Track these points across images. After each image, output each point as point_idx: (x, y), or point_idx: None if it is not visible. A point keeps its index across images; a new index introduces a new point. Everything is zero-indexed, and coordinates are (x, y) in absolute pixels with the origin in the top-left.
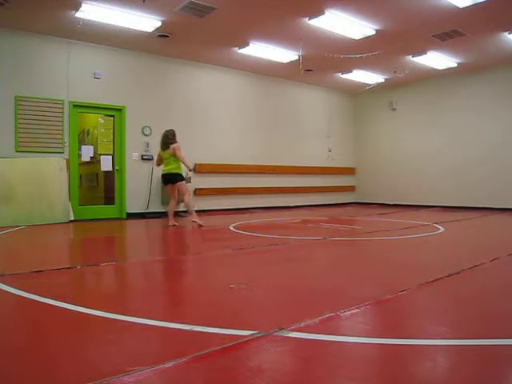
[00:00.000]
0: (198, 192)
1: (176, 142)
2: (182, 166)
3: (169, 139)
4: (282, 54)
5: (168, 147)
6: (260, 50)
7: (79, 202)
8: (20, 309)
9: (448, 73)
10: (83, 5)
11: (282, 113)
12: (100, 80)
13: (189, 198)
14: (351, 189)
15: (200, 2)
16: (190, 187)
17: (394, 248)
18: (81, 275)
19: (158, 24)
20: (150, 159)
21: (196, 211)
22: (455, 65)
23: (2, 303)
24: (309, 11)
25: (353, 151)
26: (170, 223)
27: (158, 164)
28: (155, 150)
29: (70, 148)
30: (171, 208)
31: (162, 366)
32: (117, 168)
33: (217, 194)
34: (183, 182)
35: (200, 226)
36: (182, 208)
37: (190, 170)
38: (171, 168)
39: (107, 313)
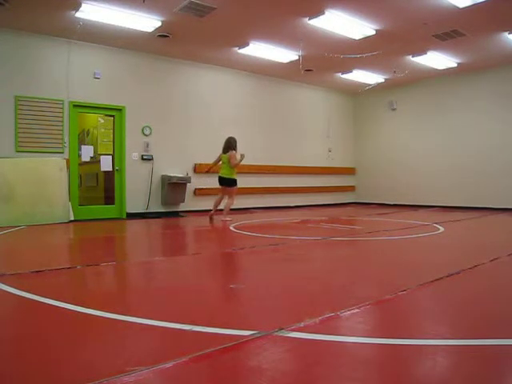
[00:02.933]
0: (198, 192)
1: (235, 150)
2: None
3: (231, 144)
4: (282, 54)
5: (228, 152)
6: (260, 50)
7: (79, 202)
8: (20, 309)
9: (448, 73)
10: (83, 5)
11: (281, 113)
12: (100, 80)
13: (232, 202)
14: (351, 189)
15: (200, 2)
16: (190, 187)
17: (393, 248)
18: (81, 275)
19: (158, 24)
20: (150, 159)
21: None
22: (455, 65)
23: (2, 303)
24: (309, 11)
25: (353, 151)
26: (212, 213)
27: (215, 162)
28: (155, 150)
29: (70, 148)
30: (216, 203)
31: (161, 366)
32: (117, 168)
33: (217, 194)
34: (235, 188)
35: (226, 221)
36: (182, 208)
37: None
38: (227, 173)
39: (107, 313)
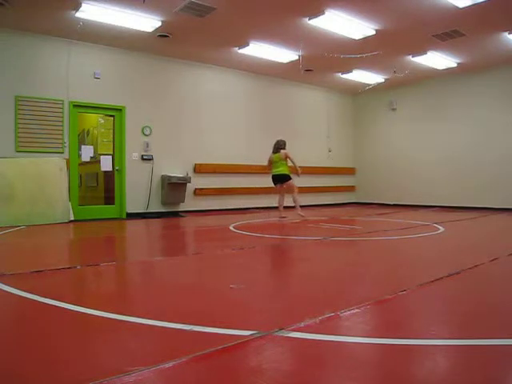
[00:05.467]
0: (198, 192)
1: (285, 149)
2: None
3: (280, 145)
4: (282, 54)
5: (279, 151)
6: (260, 49)
7: (79, 202)
8: (20, 309)
9: (448, 73)
10: (83, 5)
11: (281, 113)
12: (100, 80)
13: (297, 195)
14: (351, 189)
15: (200, 2)
16: (190, 187)
17: (393, 248)
18: (81, 275)
19: (158, 24)
20: (150, 159)
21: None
22: (455, 65)
23: (2, 303)
24: (309, 11)
25: (353, 151)
26: (282, 215)
27: (269, 167)
28: (155, 149)
29: (70, 148)
30: (280, 203)
31: (161, 366)
32: (117, 168)
33: (217, 194)
34: (291, 181)
35: (303, 217)
36: (182, 208)
37: (299, 171)
38: (281, 170)
39: (107, 313)
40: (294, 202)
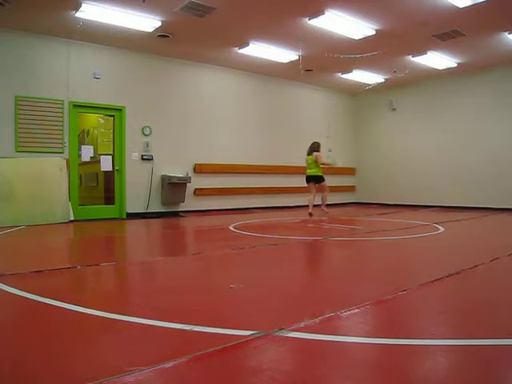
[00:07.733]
0: (198, 192)
1: (319, 151)
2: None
3: (314, 148)
4: (282, 54)
5: (312, 153)
6: (260, 49)
7: (79, 202)
8: (20, 309)
9: (448, 73)
10: (83, 5)
11: (281, 113)
12: (100, 80)
13: (327, 194)
14: (351, 189)
15: (200, 2)
16: (190, 187)
17: (393, 248)
18: (81, 275)
19: (158, 24)
20: (150, 159)
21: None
22: (455, 65)
23: (2, 303)
24: (309, 11)
25: (353, 151)
26: (310, 210)
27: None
28: (155, 150)
29: (70, 148)
30: (311, 200)
31: (161, 366)
32: (117, 168)
33: (217, 194)
34: (324, 182)
35: (327, 213)
36: (182, 208)
37: (329, 164)
38: (314, 171)
39: (107, 313)
40: (322, 200)
